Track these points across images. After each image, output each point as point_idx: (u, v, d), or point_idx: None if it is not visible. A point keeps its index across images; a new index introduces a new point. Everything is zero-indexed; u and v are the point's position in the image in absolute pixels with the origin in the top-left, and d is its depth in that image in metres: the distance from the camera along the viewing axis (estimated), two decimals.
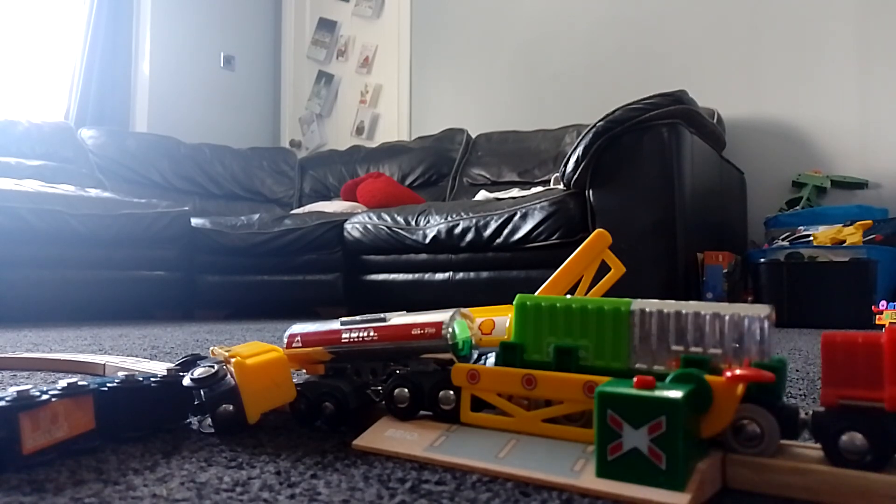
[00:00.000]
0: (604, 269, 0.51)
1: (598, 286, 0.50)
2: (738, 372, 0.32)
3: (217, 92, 3.85)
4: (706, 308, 0.35)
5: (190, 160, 3.31)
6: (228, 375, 0.46)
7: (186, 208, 2.62)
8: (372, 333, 0.46)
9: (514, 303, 0.42)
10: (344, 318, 0.48)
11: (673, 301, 0.37)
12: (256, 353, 0.47)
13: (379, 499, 0.33)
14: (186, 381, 0.46)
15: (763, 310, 0.34)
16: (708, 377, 0.33)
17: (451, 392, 0.42)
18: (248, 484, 0.35)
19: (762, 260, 2.07)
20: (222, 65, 3.89)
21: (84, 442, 0.41)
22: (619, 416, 0.32)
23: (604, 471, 0.32)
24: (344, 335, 0.47)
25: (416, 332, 0.44)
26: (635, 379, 0.32)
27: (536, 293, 0.48)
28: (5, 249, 2.11)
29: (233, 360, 0.46)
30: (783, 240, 2.15)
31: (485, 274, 2.25)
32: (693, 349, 0.35)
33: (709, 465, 0.32)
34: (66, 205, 2.25)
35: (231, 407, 0.45)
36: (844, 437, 0.31)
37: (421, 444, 0.40)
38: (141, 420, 0.45)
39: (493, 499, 0.33)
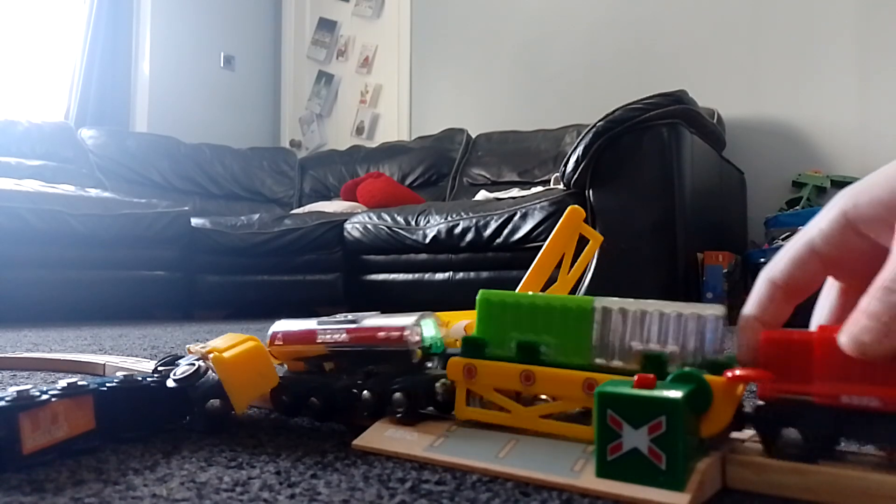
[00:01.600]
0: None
1: (581, 258, 0.52)
2: (738, 372, 0.32)
3: (217, 92, 3.85)
4: (667, 307, 0.36)
5: (190, 160, 3.31)
6: (210, 371, 0.46)
7: (186, 208, 2.62)
8: (344, 335, 0.46)
9: (478, 298, 0.42)
10: (321, 318, 0.48)
11: (633, 300, 0.38)
12: (233, 345, 0.47)
13: (379, 499, 0.33)
14: (170, 383, 0.46)
15: (718, 309, 0.36)
16: (708, 377, 0.33)
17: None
18: (248, 484, 0.35)
19: (762, 260, 2.07)
20: (222, 65, 3.89)
21: (84, 442, 0.41)
22: (618, 416, 0.32)
23: (604, 471, 0.32)
24: (319, 336, 0.47)
25: (381, 335, 0.44)
26: (635, 378, 0.32)
27: (524, 279, 0.50)
28: (5, 249, 2.11)
29: (210, 355, 0.46)
30: (783, 240, 2.15)
31: (485, 274, 2.25)
32: (652, 346, 0.36)
33: (709, 465, 0.32)
34: (66, 205, 2.25)
35: (217, 402, 0.45)
36: (783, 431, 0.33)
37: (421, 444, 0.40)
38: (141, 420, 0.45)
39: (493, 499, 0.33)
